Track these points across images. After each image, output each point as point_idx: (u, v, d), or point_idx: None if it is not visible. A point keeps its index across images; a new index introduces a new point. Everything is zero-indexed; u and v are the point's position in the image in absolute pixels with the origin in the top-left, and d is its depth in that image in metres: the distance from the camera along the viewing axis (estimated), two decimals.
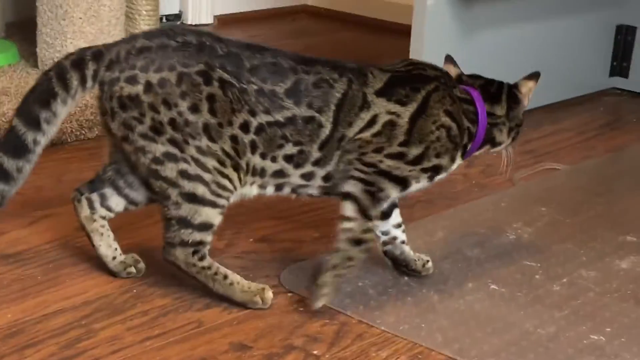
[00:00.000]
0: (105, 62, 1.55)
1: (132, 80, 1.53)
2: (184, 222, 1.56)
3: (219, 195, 1.56)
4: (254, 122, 1.55)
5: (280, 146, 1.57)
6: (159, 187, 1.57)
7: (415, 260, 1.74)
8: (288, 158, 1.58)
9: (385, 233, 1.73)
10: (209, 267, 1.59)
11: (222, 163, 1.55)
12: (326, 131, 1.58)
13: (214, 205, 1.56)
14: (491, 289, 1.73)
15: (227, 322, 1.57)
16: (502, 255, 1.86)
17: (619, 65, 3.14)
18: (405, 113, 1.60)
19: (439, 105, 1.62)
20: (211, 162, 1.54)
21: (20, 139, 1.56)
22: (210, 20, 3.81)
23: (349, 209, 1.59)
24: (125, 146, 1.57)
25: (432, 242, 1.90)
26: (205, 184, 1.55)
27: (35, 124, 1.56)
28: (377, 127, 1.59)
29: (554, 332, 1.59)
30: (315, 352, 1.49)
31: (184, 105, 1.52)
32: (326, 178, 1.61)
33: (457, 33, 2.59)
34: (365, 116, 1.59)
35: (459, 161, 1.68)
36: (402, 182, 1.61)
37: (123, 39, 1.62)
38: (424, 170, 1.62)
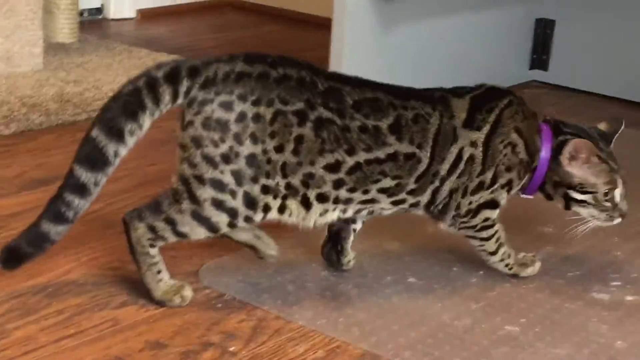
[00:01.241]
0: (201, 81, 1.50)
1: (226, 106, 1.49)
2: (171, 223, 1.55)
3: (231, 225, 1.55)
4: (350, 162, 1.55)
5: (377, 181, 1.58)
6: (177, 188, 1.54)
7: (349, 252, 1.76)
8: (383, 190, 1.60)
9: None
10: (152, 256, 1.57)
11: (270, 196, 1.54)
12: (424, 166, 1.61)
13: (214, 231, 1.56)
14: (409, 282, 1.74)
15: (143, 320, 1.55)
16: (421, 248, 1.87)
17: (539, 58, 3.19)
18: (481, 138, 1.65)
19: (510, 122, 1.66)
20: (265, 201, 1.53)
21: (101, 151, 1.50)
22: (132, 15, 3.77)
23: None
24: (180, 152, 1.53)
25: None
26: (234, 217, 1.53)
27: (118, 136, 1.49)
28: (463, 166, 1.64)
29: (470, 323, 1.61)
30: (231, 348, 1.49)
31: (270, 144, 1.50)
32: (413, 205, 1.65)
33: (378, 26, 2.60)
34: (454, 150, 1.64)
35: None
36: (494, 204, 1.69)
37: (222, 58, 1.54)
38: (501, 187, 1.68)
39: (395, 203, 1.64)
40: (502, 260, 1.76)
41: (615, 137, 1.75)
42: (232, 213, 1.54)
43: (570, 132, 1.71)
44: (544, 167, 1.70)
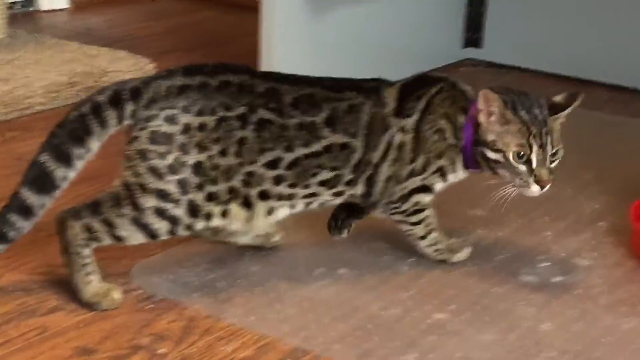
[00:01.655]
0: (144, 101, 1.54)
1: (171, 119, 1.53)
2: (109, 226, 1.56)
3: (171, 233, 1.58)
4: (288, 159, 1.60)
5: (315, 174, 1.63)
6: (119, 192, 1.56)
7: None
8: (323, 183, 1.64)
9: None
10: (84, 257, 1.57)
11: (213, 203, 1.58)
12: (358, 155, 1.65)
13: (153, 237, 1.58)
14: (340, 273, 1.75)
15: (72, 325, 1.55)
16: (354, 237, 1.88)
17: (472, 36, 3.20)
18: (410, 126, 1.68)
19: (439, 108, 1.68)
20: (208, 209, 1.57)
21: (49, 175, 1.53)
22: (65, 5, 3.73)
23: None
24: (124, 162, 1.56)
25: (286, 226, 1.90)
26: (175, 224, 1.57)
27: (66, 160, 1.53)
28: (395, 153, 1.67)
29: (400, 313, 1.62)
30: (161, 350, 1.49)
31: (214, 149, 1.54)
32: (353, 196, 1.70)
33: (308, 10, 2.59)
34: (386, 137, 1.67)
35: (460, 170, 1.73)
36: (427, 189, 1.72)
37: (161, 74, 1.59)
38: (432, 174, 1.71)
39: (336, 195, 1.68)
40: (431, 245, 1.77)
41: (568, 110, 1.67)
42: (174, 221, 1.57)
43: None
44: (468, 139, 1.68)
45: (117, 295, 1.60)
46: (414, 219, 1.74)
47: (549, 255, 1.85)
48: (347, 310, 1.62)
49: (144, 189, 1.55)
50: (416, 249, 1.78)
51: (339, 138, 1.63)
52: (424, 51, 3.06)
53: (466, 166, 1.72)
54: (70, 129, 1.54)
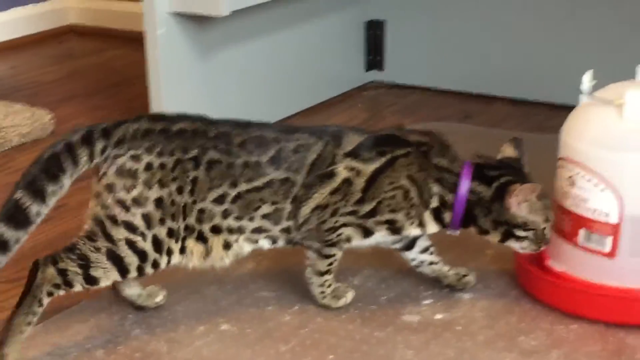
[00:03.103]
0: (114, 140, 1.66)
1: (135, 158, 1.65)
2: (85, 267, 1.64)
3: (139, 270, 1.67)
4: (232, 193, 1.68)
5: (257, 208, 1.71)
6: (92, 229, 1.66)
7: (448, 275, 1.86)
8: (265, 216, 1.72)
9: (412, 259, 1.87)
10: (40, 305, 1.62)
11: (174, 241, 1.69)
12: (297, 188, 1.71)
13: (124, 273, 1.67)
14: (222, 329, 1.75)
15: None
16: (239, 288, 1.88)
17: (374, 59, 3.22)
18: (366, 171, 1.71)
19: (403, 169, 1.71)
20: (169, 244, 1.67)
21: (25, 211, 1.61)
22: None
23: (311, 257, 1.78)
24: (91, 201, 1.66)
25: (170, 284, 1.89)
26: (143, 260, 1.67)
27: (41, 197, 1.62)
28: (335, 184, 1.71)
29: None
30: None
31: (172, 187, 1.65)
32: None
33: (194, 55, 2.59)
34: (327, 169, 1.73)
35: (432, 225, 1.75)
36: (362, 229, 1.75)
37: (129, 119, 1.71)
38: (378, 223, 1.73)
39: (284, 231, 1.73)
40: (321, 285, 1.79)
41: (524, 158, 1.80)
42: (143, 255, 1.66)
43: (500, 173, 1.74)
44: (461, 207, 1.73)
45: None
46: (327, 251, 1.75)
47: (434, 291, 1.86)
48: None
49: (113, 220, 1.65)
50: (307, 281, 1.78)
51: (280, 174, 1.70)
52: (328, 77, 3.08)
53: (448, 227, 1.77)
54: (44, 167, 1.64)
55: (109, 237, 1.65)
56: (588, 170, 1.73)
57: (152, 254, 1.67)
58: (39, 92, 3.27)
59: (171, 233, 1.68)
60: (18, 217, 1.62)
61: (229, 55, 2.70)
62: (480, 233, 1.76)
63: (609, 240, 1.73)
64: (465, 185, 1.73)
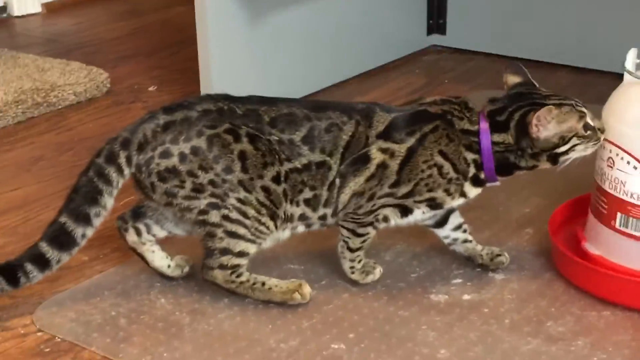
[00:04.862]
0: (135, 147, 1.67)
1: (165, 154, 1.65)
2: (225, 251, 1.69)
3: (257, 237, 1.69)
4: (282, 171, 1.67)
5: (300, 191, 1.69)
6: (205, 230, 1.69)
7: (481, 255, 1.81)
8: (306, 201, 1.70)
9: (445, 237, 1.83)
10: (247, 281, 1.71)
11: (258, 212, 1.67)
12: (334, 173, 1.69)
13: (252, 242, 1.70)
14: (245, 303, 1.73)
15: None
16: (269, 260, 1.86)
17: (436, 22, 3.15)
18: (399, 152, 1.68)
19: (434, 146, 1.69)
20: (250, 211, 1.67)
21: (70, 234, 1.67)
22: (38, 9, 3.73)
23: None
24: (170, 209, 1.70)
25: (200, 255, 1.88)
26: (246, 227, 1.68)
27: (85, 220, 1.68)
28: (370, 171, 1.68)
29: (296, 345, 1.61)
30: None
31: (218, 168, 1.64)
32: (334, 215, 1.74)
33: (244, 18, 2.55)
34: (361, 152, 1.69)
35: (473, 191, 1.72)
36: (401, 208, 1.73)
37: (144, 118, 1.70)
38: (418, 202, 1.71)
39: (320, 218, 1.73)
40: (352, 260, 1.76)
41: (530, 77, 1.76)
42: (242, 223, 1.68)
43: (511, 111, 1.68)
44: (490, 163, 1.69)
45: (306, 289, 1.72)
46: (362, 230, 1.73)
47: (465, 270, 1.82)
48: (242, 345, 1.61)
49: (201, 211, 1.67)
50: (339, 255, 1.77)
51: (316, 157, 1.68)
52: (389, 40, 3.02)
53: (487, 181, 1.72)
54: (83, 193, 1.68)
55: (214, 225, 1.68)
56: (627, 152, 1.66)
57: (250, 222, 1.68)
58: (99, 50, 3.28)
59: (242, 201, 1.67)
60: (63, 240, 1.67)
61: (282, 19, 2.66)
62: (530, 169, 1.70)
63: None
64: (485, 143, 1.68)
